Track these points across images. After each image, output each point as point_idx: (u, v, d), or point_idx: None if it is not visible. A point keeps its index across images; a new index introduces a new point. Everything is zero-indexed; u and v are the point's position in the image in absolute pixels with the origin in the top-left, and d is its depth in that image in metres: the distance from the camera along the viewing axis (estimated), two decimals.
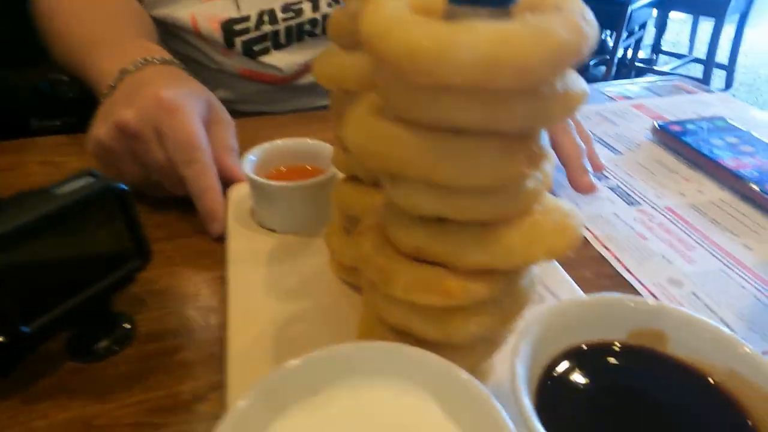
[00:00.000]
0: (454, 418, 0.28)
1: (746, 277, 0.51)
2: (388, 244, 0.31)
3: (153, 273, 0.51)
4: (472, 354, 0.32)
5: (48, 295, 0.38)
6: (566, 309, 0.33)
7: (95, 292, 0.40)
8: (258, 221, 0.54)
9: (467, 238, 0.28)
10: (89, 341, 0.42)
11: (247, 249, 0.50)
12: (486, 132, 0.24)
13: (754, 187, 0.62)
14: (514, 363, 0.29)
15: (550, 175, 0.29)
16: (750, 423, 0.28)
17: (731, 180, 0.65)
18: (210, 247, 0.53)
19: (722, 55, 3.21)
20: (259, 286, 0.45)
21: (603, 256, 0.54)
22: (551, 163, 0.29)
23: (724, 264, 0.53)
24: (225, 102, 0.63)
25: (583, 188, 0.60)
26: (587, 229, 0.58)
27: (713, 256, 0.54)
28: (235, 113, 0.63)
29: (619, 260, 0.53)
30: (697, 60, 3.34)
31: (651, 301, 0.33)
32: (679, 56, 3.48)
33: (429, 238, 0.28)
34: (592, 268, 0.52)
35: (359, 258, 0.31)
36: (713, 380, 0.30)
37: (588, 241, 0.56)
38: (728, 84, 3.22)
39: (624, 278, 0.51)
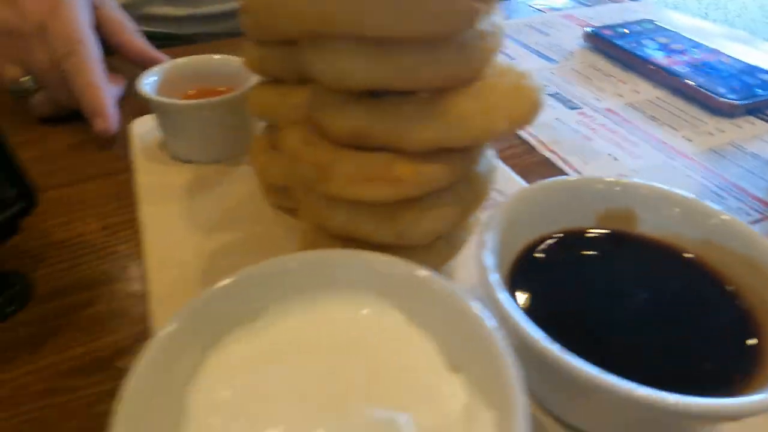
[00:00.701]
0: (422, 325, 0.24)
1: (691, 167, 0.50)
2: (320, 135, 0.25)
3: (49, 224, 0.43)
4: (431, 257, 0.28)
5: None
6: (530, 196, 0.29)
7: None
8: (171, 154, 0.46)
9: (414, 111, 0.23)
10: None
11: (158, 184, 0.43)
12: None
13: (689, 82, 0.61)
14: (481, 255, 0.25)
15: (499, 30, 0.24)
16: (729, 288, 0.26)
17: (666, 78, 0.64)
18: (118, 190, 0.46)
19: None
20: (177, 223, 0.39)
21: (550, 160, 0.51)
22: (500, 16, 0.25)
23: (668, 157, 0.52)
24: None
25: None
26: (531, 135, 0.55)
27: (657, 150, 0.53)
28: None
29: (566, 162, 0.51)
30: None
31: (617, 178, 0.31)
32: None
33: (368, 115, 0.23)
34: (540, 172, 0.49)
35: (288, 155, 0.26)
36: (687, 253, 0.28)
37: (533, 146, 0.53)
38: None
39: None
